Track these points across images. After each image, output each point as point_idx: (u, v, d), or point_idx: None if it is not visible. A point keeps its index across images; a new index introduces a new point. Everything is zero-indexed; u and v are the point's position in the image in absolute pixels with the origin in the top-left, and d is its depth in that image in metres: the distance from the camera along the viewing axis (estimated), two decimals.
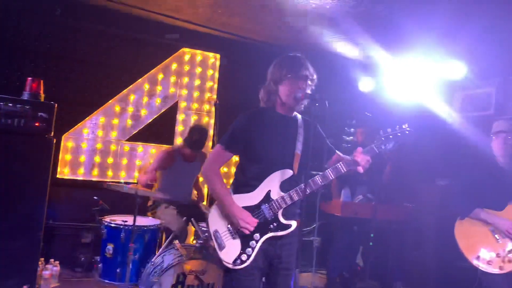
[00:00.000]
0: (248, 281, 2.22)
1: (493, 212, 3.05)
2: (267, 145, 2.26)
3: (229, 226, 2.25)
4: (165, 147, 5.02)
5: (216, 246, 2.24)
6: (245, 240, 2.22)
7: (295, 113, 2.37)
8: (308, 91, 2.21)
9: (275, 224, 2.24)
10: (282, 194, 2.23)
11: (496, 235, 3.01)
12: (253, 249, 2.20)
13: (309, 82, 2.25)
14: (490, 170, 3.11)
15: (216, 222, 2.28)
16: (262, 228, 2.22)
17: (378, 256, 4.82)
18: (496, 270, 2.94)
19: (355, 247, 5.10)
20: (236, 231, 2.23)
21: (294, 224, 2.24)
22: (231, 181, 2.46)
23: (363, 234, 4.69)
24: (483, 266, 2.96)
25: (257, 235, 2.22)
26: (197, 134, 4.04)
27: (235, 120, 2.33)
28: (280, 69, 2.27)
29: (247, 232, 2.19)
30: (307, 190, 2.16)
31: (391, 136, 2.24)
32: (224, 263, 2.21)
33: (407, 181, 4.91)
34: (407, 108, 4.82)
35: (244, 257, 2.20)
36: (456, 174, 3.53)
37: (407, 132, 2.23)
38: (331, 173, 2.23)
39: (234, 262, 2.19)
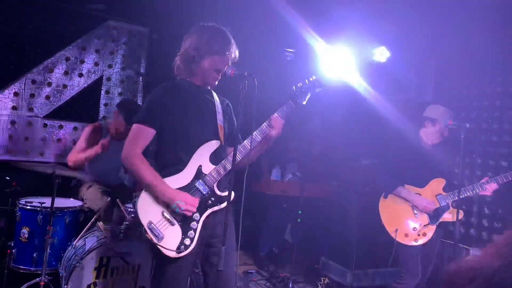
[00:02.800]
0: (186, 265, 2.11)
1: (415, 189, 3.28)
2: (188, 117, 2.16)
3: (164, 213, 2.08)
4: (89, 124, 4.73)
5: (153, 238, 2.04)
6: (185, 223, 2.08)
7: (209, 87, 2.31)
8: (230, 68, 2.14)
9: (212, 199, 2.15)
10: (214, 166, 2.15)
11: (415, 211, 3.26)
12: (195, 230, 2.09)
13: (232, 58, 2.21)
14: (414, 149, 3.32)
15: (147, 213, 2.07)
16: (200, 206, 2.11)
17: (306, 232, 5.01)
18: (412, 242, 3.20)
19: (284, 224, 5.27)
20: (174, 216, 2.07)
21: (232, 193, 2.09)
22: None
23: (292, 211, 4.84)
24: (400, 239, 3.20)
25: (196, 215, 2.10)
26: (130, 105, 3.82)
27: (149, 94, 2.20)
28: (208, 42, 2.15)
29: (190, 214, 2.06)
30: (239, 156, 2.09)
31: (303, 90, 2.25)
32: (168, 252, 2.03)
33: (333, 160, 5.12)
34: (335, 90, 4.97)
35: (187, 241, 2.07)
36: (381, 154, 3.75)
37: (316, 83, 2.27)
38: (258, 135, 2.18)
39: (178, 249, 2.04)
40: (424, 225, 3.21)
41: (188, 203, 2.06)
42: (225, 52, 2.17)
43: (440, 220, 3.24)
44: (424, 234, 3.21)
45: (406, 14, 4.12)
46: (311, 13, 4.35)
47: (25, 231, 3.21)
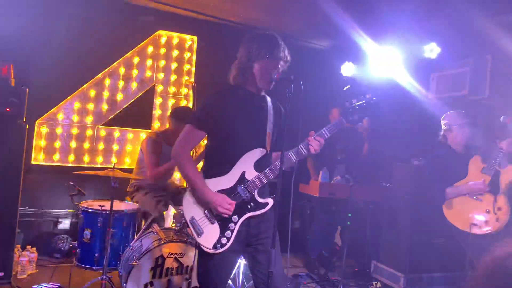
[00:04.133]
0: (224, 264, 2.22)
1: (460, 182, 3.26)
2: (239, 123, 2.22)
3: (206, 211, 2.20)
4: (143, 131, 4.97)
5: (194, 233, 2.18)
6: (224, 223, 2.19)
7: (263, 93, 2.35)
8: (280, 71, 2.18)
9: (252, 204, 2.22)
10: (257, 173, 2.21)
11: (474, 197, 3.19)
12: (232, 231, 2.18)
13: (283, 63, 2.23)
14: (452, 161, 3.33)
15: (191, 209, 2.21)
16: (239, 210, 2.20)
17: (355, 236, 4.93)
18: (494, 227, 3.05)
19: (334, 227, 5.22)
20: (214, 216, 2.19)
21: (270, 202, 2.23)
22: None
23: (341, 214, 4.79)
24: (483, 230, 3.08)
25: (235, 217, 2.19)
26: (181, 108, 3.99)
27: (204, 99, 2.28)
28: (257, 47, 2.21)
29: (226, 216, 2.17)
30: (282, 167, 2.09)
31: (357, 107, 2.22)
32: (205, 248, 2.16)
33: (383, 162, 5.00)
34: (385, 89, 4.87)
35: (224, 240, 2.17)
36: (426, 155, 3.69)
37: (372, 102, 2.22)
38: (303, 149, 2.19)
39: (215, 246, 2.16)
40: (493, 202, 3.11)
41: (223, 206, 2.15)
42: (273, 55, 2.21)
43: (502, 186, 3.13)
44: (500, 209, 3.09)
45: (457, 7, 3.96)
46: (359, 12, 4.30)
47: (87, 232, 3.43)
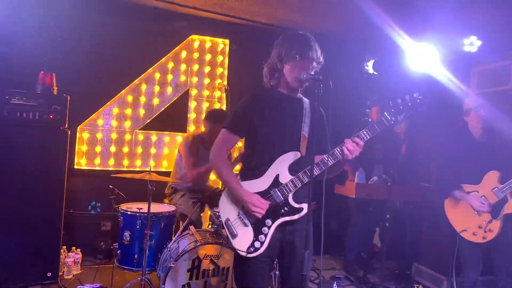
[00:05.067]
0: (259, 268, 2.20)
1: (471, 187, 3.25)
2: (272, 126, 2.20)
3: (239, 213, 2.20)
4: (178, 135, 5.07)
5: (228, 234, 2.19)
6: (258, 226, 2.17)
7: (299, 95, 2.33)
8: (312, 72, 2.13)
9: (286, 208, 2.18)
10: (291, 177, 2.17)
11: (477, 209, 3.23)
12: (265, 235, 2.16)
13: (315, 64, 2.20)
14: (467, 146, 3.29)
15: (226, 210, 2.24)
16: (273, 214, 2.17)
17: (395, 237, 4.80)
18: (482, 240, 3.19)
19: (372, 228, 5.11)
20: (248, 218, 2.18)
21: (305, 207, 2.16)
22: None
23: (379, 215, 4.68)
24: (470, 238, 3.21)
25: (268, 221, 2.17)
26: (215, 111, 4.09)
27: (239, 102, 2.30)
28: (288, 48, 2.19)
29: (259, 216, 2.14)
30: (317, 171, 2.09)
31: (401, 107, 2.12)
32: (238, 251, 2.16)
33: (423, 160, 4.85)
34: (421, 86, 4.72)
35: (257, 244, 2.15)
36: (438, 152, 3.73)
37: (418, 101, 2.11)
38: (338, 152, 2.13)
39: (248, 250, 2.14)
40: (488, 221, 3.17)
41: (256, 205, 2.13)
42: (304, 56, 2.17)
43: (503, 213, 3.14)
44: (490, 230, 3.17)
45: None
46: (394, 7, 4.19)
47: (127, 234, 3.53)
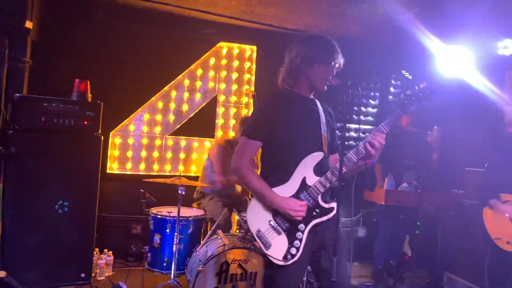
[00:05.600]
0: (292, 273, 2.16)
1: (509, 196, 3.29)
2: (294, 128, 2.19)
3: (270, 222, 2.15)
4: (207, 140, 5.15)
5: (261, 246, 2.13)
6: (291, 233, 2.14)
7: (312, 95, 2.32)
8: (337, 79, 2.14)
9: (317, 210, 2.15)
10: (318, 178, 2.15)
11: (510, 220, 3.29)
12: (300, 240, 2.13)
13: (337, 68, 2.21)
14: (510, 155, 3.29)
15: (256, 221, 2.17)
16: (305, 217, 2.14)
17: (426, 245, 4.68)
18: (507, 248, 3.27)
19: (401, 235, 5.00)
20: (281, 225, 2.15)
21: (335, 206, 2.13)
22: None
23: (409, 222, 4.58)
24: (503, 246, 3.29)
25: (301, 226, 2.14)
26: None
27: (255, 108, 2.31)
28: (315, 51, 2.18)
29: (300, 218, 2.11)
30: (343, 168, 2.05)
31: (413, 98, 2.13)
32: (275, 261, 2.11)
33: (455, 167, 4.72)
34: (453, 91, 4.61)
35: (293, 250, 2.12)
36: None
37: (427, 91, 2.12)
38: (362, 147, 2.12)
39: (285, 257, 2.11)
40: None
41: (296, 209, 2.10)
42: (330, 61, 2.18)
43: None
44: None
45: None
46: (423, 11, 4.12)
47: (157, 237, 3.60)
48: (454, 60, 4.61)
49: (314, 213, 2.16)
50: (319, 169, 2.18)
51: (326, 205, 2.17)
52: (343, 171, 2.06)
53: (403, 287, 4.41)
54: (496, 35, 4.29)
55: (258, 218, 2.18)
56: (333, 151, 2.29)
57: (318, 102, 2.34)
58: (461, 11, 3.95)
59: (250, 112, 5.25)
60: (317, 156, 2.18)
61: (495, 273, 3.36)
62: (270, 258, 2.12)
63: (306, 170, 2.17)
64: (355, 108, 5.25)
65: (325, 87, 2.22)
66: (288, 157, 2.19)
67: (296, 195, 2.16)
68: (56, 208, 3.55)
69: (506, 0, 3.75)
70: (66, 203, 3.55)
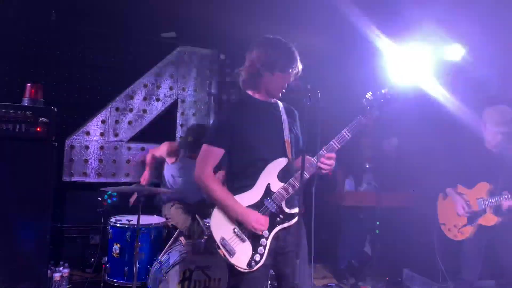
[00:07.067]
0: (256, 279, 2.16)
1: (463, 189, 3.44)
2: (255, 135, 2.18)
3: (235, 229, 2.15)
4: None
5: (225, 254, 2.13)
6: (255, 240, 2.14)
7: (274, 99, 2.31)
8: (298, 81, 2.16)
9: (281, 216, 2.17)
10: (282, 184, 2.17)
11: (457, 211, 3.44)
12: (264, 247, 2.14)
13: (294, 75, 2.23)
14: (474, 150, 3.44)
15: (220, 229, 2.15)
16: (269, 224, 2.15)
17: (385, 244, 4.82)
18: (452, 237, 3.47)
19: (363, 235, 5.12)
20: (245, 233, 2.14)
21: (297, 211, 2.12)
22: None
23: (370, 222, 4.70)
24: (445, 231, 3.52)
25: (265, 232, 2.15)
26: (192, 135, 3.94)
27: (217, 114, 2.30)
28: (276, 59, 2.16)
29: (261, 233, 2.13)
30: (306, 174, 2.08)
31: (374, 103, 2.17)
32: (239, 268, 2.11)
33: (410, 167, 4.89)
34: (407, 93, 4.77)
35: (257, 257, 2.13)
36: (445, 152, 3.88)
37: (389, 97, 2.17)
38: (324, 152, 2.15)
39: (249, 264, 2.11)
40: (463, 225, 3.38)
41: (259, 223, 2.11)
42: (288, 70, 2.18)
43: (477, 222, 3.29)
44: (462, 233, 3.39)
45: (482, 8, 3.87)
46: (376, 10, 4.25)
47: (116, 247, 3.49)
48: (406, 62, 4.76)
49: (278, 219, 2.18)
50: (284, 174, 2.19)
51: (289, 211, 2.19)
52: (307, 177, 2.09)
53: (364, 286, 4.51)
54: (446, 39, 4.46)
55: (222, 226, 2.16)
56: (298, 154, 2.30)
57: (280, 105, 2.34)
58: (410, 10, 4.10)
59: (205, 116, 5.19)
60: (281, 162, 2.20)
61: (448, 265, 3.53)
62: (234, 266, 2.12)
63: (270, 176, 2.18)
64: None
65: (279, 94, 2.24)
66: (252, 164, 2.18)
67: (261, 202, 2.17)
68: (8, 219, 3.37)
69: (457, 4, 3.93)
70: (18, 214, 3.37)
